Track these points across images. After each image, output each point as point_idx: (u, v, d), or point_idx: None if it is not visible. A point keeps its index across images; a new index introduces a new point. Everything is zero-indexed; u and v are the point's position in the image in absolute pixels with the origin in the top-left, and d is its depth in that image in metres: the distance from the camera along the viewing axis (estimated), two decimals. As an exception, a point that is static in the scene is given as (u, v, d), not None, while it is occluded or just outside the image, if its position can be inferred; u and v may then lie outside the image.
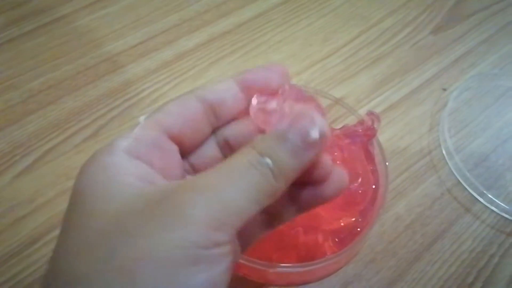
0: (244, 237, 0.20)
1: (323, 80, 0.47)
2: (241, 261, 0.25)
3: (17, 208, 0.38)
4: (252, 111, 0.21)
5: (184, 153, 0.22)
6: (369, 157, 0.32)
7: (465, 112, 0.43)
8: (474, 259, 0.35)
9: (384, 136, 0.42)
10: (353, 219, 0.30)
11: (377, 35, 0.50)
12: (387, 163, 0.29)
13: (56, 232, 0.37)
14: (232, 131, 0.22)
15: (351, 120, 0.30)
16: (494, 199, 0.37)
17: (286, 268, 0.28)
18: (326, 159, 0.20)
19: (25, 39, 0.49)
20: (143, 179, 0.18)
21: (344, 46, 0.49)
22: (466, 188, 0.38)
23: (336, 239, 0.31)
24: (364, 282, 0.34)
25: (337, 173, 0.20)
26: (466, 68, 0.47)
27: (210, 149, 0.23)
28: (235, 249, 0.19)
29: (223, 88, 0.22)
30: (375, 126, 0.30)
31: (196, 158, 0.22)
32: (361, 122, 0.31)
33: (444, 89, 0.45)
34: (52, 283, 0.17)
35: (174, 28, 0.51)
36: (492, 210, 0.37)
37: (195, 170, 0.22)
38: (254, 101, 0.21)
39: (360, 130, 0.30)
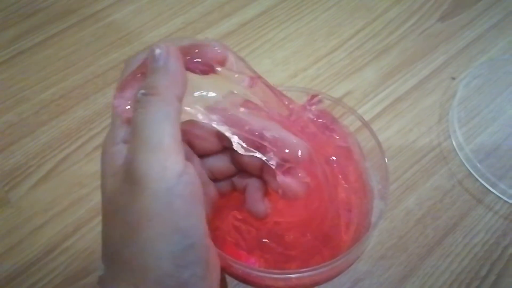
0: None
1: (329, 76, 0.46)
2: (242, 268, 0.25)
3: (34, 218, 0.39)
4: None
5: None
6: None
7: (476, 101, 0.42)
8: (487, 252, 0.35)
9: (392, 129, 0.42)
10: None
11: (382, 26, 0.50)
12: (386, 160, 0.27)
13: (72, 240, 0.38)
14: None
15: (351, 121, 0.30)
16: (507, 189, 0.36)
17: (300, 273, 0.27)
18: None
19: (34, 50, 0.51)
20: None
21: (349, 39, 0.49)
22: (477, 179, 0.38)
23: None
24: (375, 279, 0.34)
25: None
26: (476, 55, 0.46)
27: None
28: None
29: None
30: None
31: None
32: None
33: (453, 78, 0.44)
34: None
35: (179, 32, 0.51)
36: (505, 201, 0.37)
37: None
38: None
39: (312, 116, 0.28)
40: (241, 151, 0.22)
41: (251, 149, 0.22)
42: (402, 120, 0.42)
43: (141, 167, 0.18)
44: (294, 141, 0.22)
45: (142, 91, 0.19)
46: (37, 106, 0.46)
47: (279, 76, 0.47)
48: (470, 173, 0.38)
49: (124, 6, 0.53)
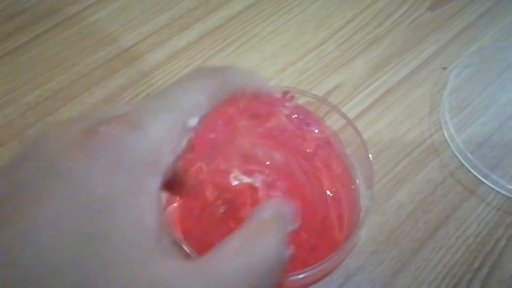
0: None
1: (318, 69, 0.46)
2: None
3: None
4: None
5: None
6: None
7: (467, 91, 0.42)
8: (480, 244, 0.34)
9: (383, 121, 0.41)
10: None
11: (371, 17, 0.49)
12: (370, 155, 0.27)
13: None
14: None
15: (336, 119, 0.29)
16: (499, 180, 0.36)
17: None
18: None
19: (20, 51, 0.50)
20: None
21: (338, 31, 0.48)
22: (469, 171, 0.37)
23: None
24: (367, 274, 0.34)
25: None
26: (466, 43, 0.45)
27: None
28: None
29: None
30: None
31: None
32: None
33: (444, 68, 0.44)
34: None
35: (165, 28, 0.50)
36: (498, 192, 0.36)
37: None
38: None
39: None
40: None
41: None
42: (393, 112, 0.42)
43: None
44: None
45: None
46: (24, 108, 0.46)
47: (268, 71, 0.46)
48: (462, 164, 0.38)
49: (109, 3, 0.53)
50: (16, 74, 0.48)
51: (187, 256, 0.22)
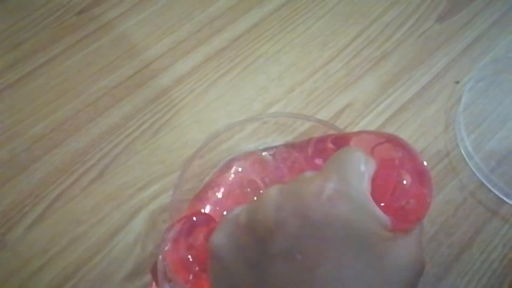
0: None
1: (326, 88, 0.45)
2: None
3: (33, 261, 0.38)
4: None
5: None
6: None
7: (482, 105, 0.41)
8: (506, 267, 0.33)
9: (397, 141, 0.40)
10: None
11: (379, 31, 0.48)
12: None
13: (73, 281, 0.37)
14: None
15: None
16: (522, 199, 0.34)
17: None
18: None
19: (23, 82, 0.49)
20: None
21: (345, 48, 0.47)
22: (490, 190, 0.36)
23: None
24: (391, 305, 0.32)
25: None
26: (478, 55, 0.44)
27: None
28: None
29: None
30: None
31: None
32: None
33: (457, 82, 0.43)
34: None
35: (169, 52, 0.49)
36: (522, 211, 0.35)
37: None
38: None
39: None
40: None
41: None
42: (407, 130, 0.40)
43: None
44: None
45: None
46: (29, 141, 0.45)
47: (275, 92, 0.45)
48: (482, 183, 0.36)
49: (111, 30, 0.52)
50: (21, 106, 0.47)
51: None
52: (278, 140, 0.42)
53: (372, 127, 0.41)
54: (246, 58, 0.48)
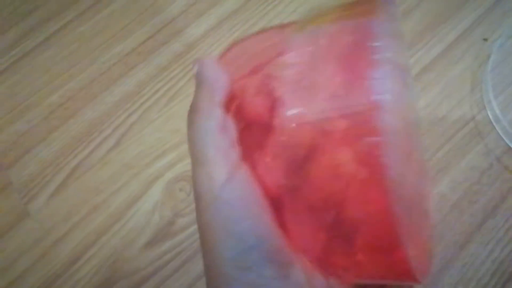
0: None
1: (345, 49, 0.43)
2: None
3: (55, 229, 0.39)
4: None
5: None
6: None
7: (512, 64, 0.38)
8: (532, 235, 0.32)
9: (420, 104, 0.38)
10: None
11: (401, -14, 0.45)
12: None
13: (94, 249, 0.38)
14: None
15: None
16: (552, 164, 0.33)
17: None
18: None
19: (37, 52, 0.49)
20: None
21: (365, 6, 0.44)
22: (518, 155, 0.34)
23: None
24: (410, 273, 0.32)
25: None
26: (509, 10, 0.41)
27: None
28: None
29: None
30: None
31: None
32: None
33: (485, 39, 0.40)
34: None
35: (182, 15, 0.48)
36: (551, 177, 0.33)
37: None
38: None
39: None
40: None
41: None
42: (431, 92, 0.38)
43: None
44: None
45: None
46: (46, 111, 0.45)
47: (292, 55, 0.43)
48: (510, 148, 0.35)
49: (120, -5, 0.50)
50: (35, 76, 0.47)
51: None
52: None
53: (393, 90, 0.39)
54: (261, 18, 0.46)
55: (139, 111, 0.43)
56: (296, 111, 0.19)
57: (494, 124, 0.35)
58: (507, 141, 0.35)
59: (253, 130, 0.21)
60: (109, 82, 0.45)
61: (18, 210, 0.40)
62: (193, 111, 0.21)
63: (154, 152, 0.41)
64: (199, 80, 0.21)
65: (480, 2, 0.42)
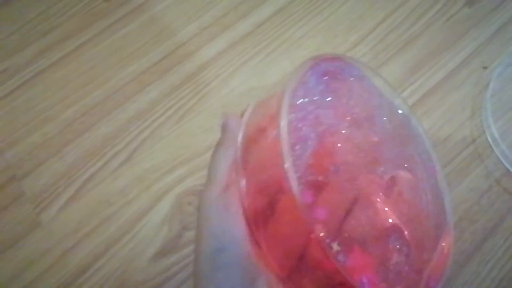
0: None
1: (351, 73, 0.44)
2: None
3: (65, 239, 0.40)
4: None
5: None
6: None
7: (510, 91, 0.40)
8: (531, 255, 0.33)
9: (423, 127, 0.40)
10: None
11: (405, 15, 0.47)
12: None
13: (103, 260, 0.39)
14: None
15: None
16: (549, 187, 0.34)
17: None
18: None
19: (54, 68, 0.51)
20: None
21: (371, 33, 0.47)
22: (517, 177, 0.36)
23: None
24: (412, 290, 0.33)
25: None
26: (508, 40, 0.43)
27: None
28: None
29: None
30: None
31: None
32: None
33: (485, 67, 0.42)
34: None
35: (195, 38, 0.50)
36: (549, 199, 0.34)
37: None
38: None
39: None
40: None
41: None
42: (433, 116, 0.40)
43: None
44: None
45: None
46: (61, 125, 0.47)
47: (300, 78, 0.45)
48: (508, 171, 0.36)
49: (138, 15, 0.53)
50: (52, 91, 0.49)
51: None
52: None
53: (396, 113, 0.41)
54: (271, 43, 0.48)
55: (151, 127, 0.45)
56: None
57: (493, 147, 0.37)
58: (506, 164, 0.36)
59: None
60: (123, 99, 0.47)
61: (30, 220, 0.41)
62: (217, 146, 0.26)
63: (164, 167, 0.42)
64: (224, 128, 0.27)
65: (480, 32, 0.44)
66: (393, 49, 0.45)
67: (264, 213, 0.23)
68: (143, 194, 0.41)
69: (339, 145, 0.24)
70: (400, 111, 0.27)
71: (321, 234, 0.20)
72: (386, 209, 0.24)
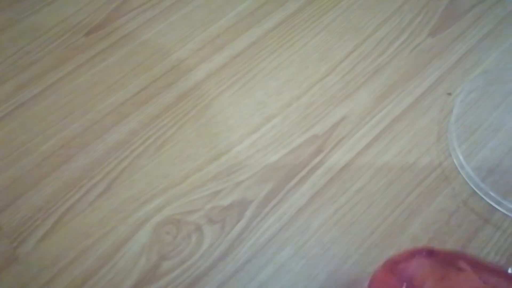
0: None
1: (323, 102, 0.46)
2: None
3: (42, 273, 0.40)
4: None
5: None
6: None
7: (474, 116, 0.42)
8: (499, 273, 0.34)
9: (391, 152, 0.41)
10: None
11: (373, 46, 0.49)
12: None
13: (81, 292, 0.38)
14: None
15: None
16: (513, 206, 0.35)
17: None
18: None
19: (33, 102, 0.51)
20: None
21: (341, 63, 0.49)
22: (482, 198, 0.37)
23: None
24: (386, 311, 0.33)
25: None
26: (470, 67, 0.46)
27: None
28: None
29: None
30: None
31: None
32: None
33: (449, 94, 0.44)
34: None
35: (172, 70, 0.52)
36: (513, 218, 0.36)
37: None
38: None
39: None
40: None
41: None
42: (400, 142, 0.42)
43: None
44: None
45: None
46: (39, 158, 0.47)
47: (274, 107, 0.47)
48: (474, 191, 0.37)
49: (118, 49, 0.54)
50: (31, 125, 0.50)
51: None
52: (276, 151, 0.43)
53: (367, 139, 0.43)
54: (246, 74, 0.50)
55: (129, 157, 0.46)
56: None
57: (459, 170, 0.39)
58: (472, 186, 0.38)
59: None
60: (102, 131, 0.48)
61: (7, 254, 0.41)
62: None
63: (142, 197, 0.43)
64: None
65: (443, 60, 0.47)
66: (362, 78, 0.47)
67: None
68: (121, 225, 0.42)
69: None
70: None
71: None
72: None
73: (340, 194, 0.40)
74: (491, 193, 0.36)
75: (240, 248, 0.39)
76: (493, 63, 0.46)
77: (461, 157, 0.38)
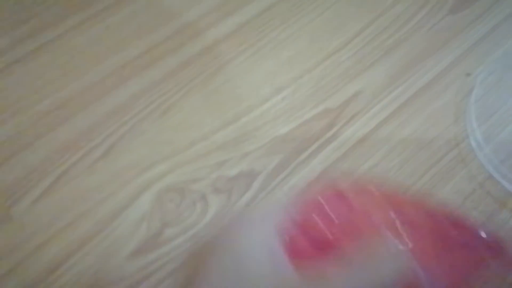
0: None
1: (335, 76, 0.44)
2: None
3: (37, 235, 0.38)
4: None
5: None
6: None
7: (493, 97, 0.41)
8: (513, 258, 0.33)
9: (407, 130, 0.40)
10: None
11: (390, 21, 0.48)
12: None
13: (77, 257, 0.37)
14: None
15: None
16: (531, 191, 0.35)
17: None
18: None
19: (30, 58, 0.49)
20: None
21: (356, 37, 0.47)
22: (499, 181, 0.36)
23: None
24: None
25: None
26: (490, 48, 0.44)
27: None
28: None
29: None
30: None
31: None
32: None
33: (468, 74, 0.42)
34: None
35: (178, 34, 0.49)
36: (530, 203, 0.35)
37: None
38: None
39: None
40: None
41: None
42: (417, 120, 0.40)
43: None
44: None
45: None
46: (35, 117, 0.44)
47: (284, 78, 0.45)
48: (491, 175, 0.36)
49: (120, 9, 0.51)
50: (26, 82, 0.47)
51: None
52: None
53: (382, 116, 0.41)
54: (256, 43, 0.48)
55: (131, 122, 0.43)
56: None
57: (477, 151, 0.37)
58: (489, 168, 0.36)
59: None
60: (101, 93, 0.45)
61: (0, 213, 0.39)
62: None
63: (144, 163, 0.41)
64: None
65: (463, 40, 0.45)
66: (377, 54, 0.45)
67: None
68: (121, 191, 0.40)
69: None
70: None
71: None
72: None
73: (352, 170, 0.38)
74: (510, 176, 0.35)
75: (246, 221, 0.38)
76: (514, 45, 0.44)
77: (480, 138, 0.37)
